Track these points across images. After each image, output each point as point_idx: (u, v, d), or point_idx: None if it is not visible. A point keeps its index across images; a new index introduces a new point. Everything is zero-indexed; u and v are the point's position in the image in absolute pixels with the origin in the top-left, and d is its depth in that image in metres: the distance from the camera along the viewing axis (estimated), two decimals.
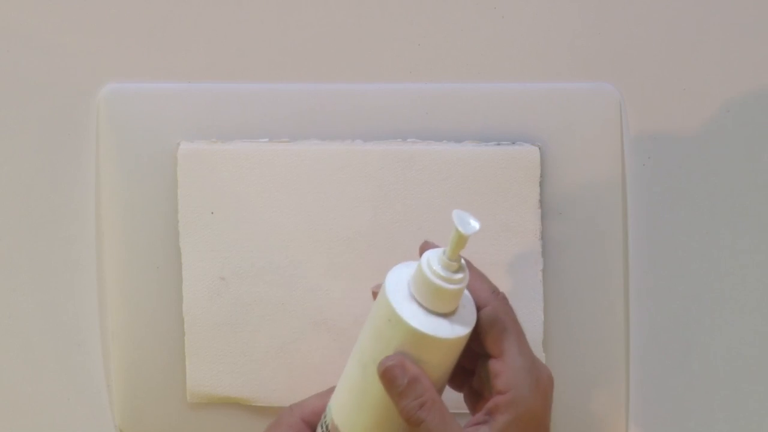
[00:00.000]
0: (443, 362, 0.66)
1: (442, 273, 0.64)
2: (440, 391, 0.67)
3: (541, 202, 0.79)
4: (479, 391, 0.69)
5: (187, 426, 0.83)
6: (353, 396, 0.67)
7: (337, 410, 0.68)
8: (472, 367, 0.69)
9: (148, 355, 0.82)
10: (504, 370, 0.66)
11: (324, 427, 0.69)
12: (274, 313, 0.80)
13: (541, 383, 0.67)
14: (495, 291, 0.67)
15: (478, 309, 0.67)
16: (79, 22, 0.82)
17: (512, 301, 0.68)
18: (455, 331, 0.65)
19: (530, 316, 0.79)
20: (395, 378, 0.64)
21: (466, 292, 0.67)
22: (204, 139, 0.80)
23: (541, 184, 0.79)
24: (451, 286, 0.64)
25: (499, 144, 0.79)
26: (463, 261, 0.65)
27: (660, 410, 0.83)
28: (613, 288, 0.80)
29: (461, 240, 0.63)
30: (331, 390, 0.72)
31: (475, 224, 0.63)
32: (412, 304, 0.65)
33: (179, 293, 0.81)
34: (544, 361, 0.76)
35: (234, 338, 0.81)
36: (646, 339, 0.82)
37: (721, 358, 0.82)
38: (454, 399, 0.70)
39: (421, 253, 0.66)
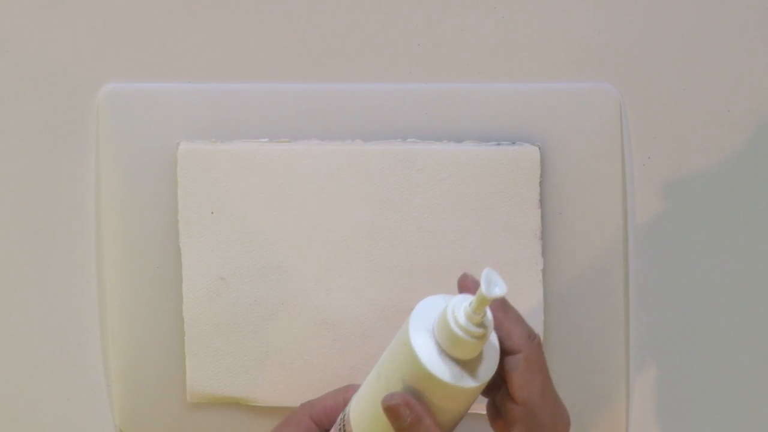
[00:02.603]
0: (449, 407, 0.66)
1: (463, 323, 0.63)
2: (449, 430, 0.67)
3: (541, 202, 0.79)
4: (500, 408, 0.69)
5: (187, 426, 0.83)
6: (366, 400, 0.68)
7: (353, 408, 0.69)
8: (500, 383, 0.69)
9: (148, 355, 0.82)
10: (522, 420, 0.66)
11: (342, 418, 0.70)
12: (274, 313, 0.80)
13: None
14: (531, 336, 0.67)
15: (511, 353, 0.66)
16: (80, 22, 0.82)
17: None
18: (463, 380, 0.64)
19: (530, 316, 0.79)
20: (399, 416, 0.65)
21: (495, 343, 0.66)
22: (204, 139, 0.80)
23: (541, 184, 0.79)
24: (468, 338, 0.63)
25: (499, 144, 0.79)
26: (489, 316, 0.64)
27: (660, 410, 0.83)
28: (613, 288, 0.80)
29: (484, 301, 0.63)
30: (344, 388, 0.73)
31: (500, 290, 0.63)
32: (430, 339, 0.64)
33: (179, 293, 0.81)
34: None
35: (234, 338, 0.80)
36: (646, 339, 0.82)
37: (722, 358, 0.82)
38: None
39: (459, 286, 0.66)
